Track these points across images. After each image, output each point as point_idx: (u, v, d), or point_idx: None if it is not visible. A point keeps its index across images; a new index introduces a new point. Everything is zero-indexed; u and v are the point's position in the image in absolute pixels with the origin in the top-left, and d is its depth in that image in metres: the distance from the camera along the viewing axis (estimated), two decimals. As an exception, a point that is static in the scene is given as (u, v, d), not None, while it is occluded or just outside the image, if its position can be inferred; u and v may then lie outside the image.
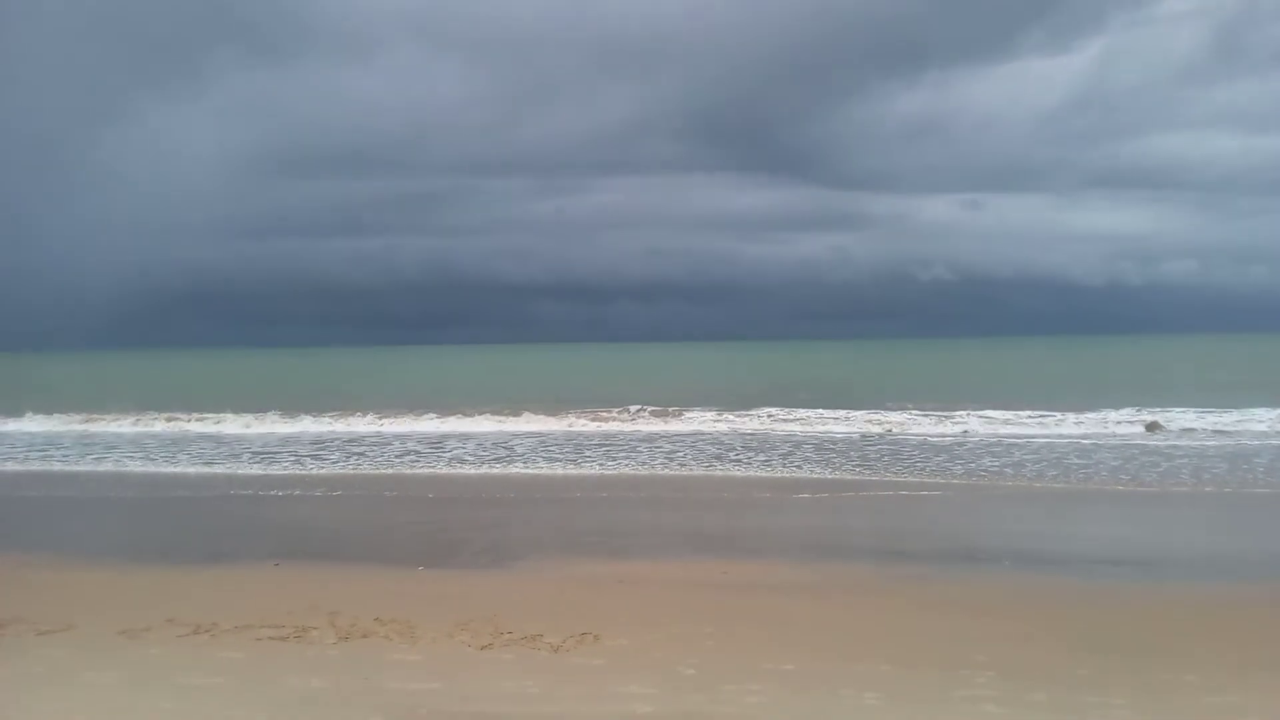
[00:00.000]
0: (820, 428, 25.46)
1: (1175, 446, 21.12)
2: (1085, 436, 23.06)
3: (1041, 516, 14.34)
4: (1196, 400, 28.18)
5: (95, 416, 29.94)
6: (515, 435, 25.21)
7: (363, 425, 27.60)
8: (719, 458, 20.69)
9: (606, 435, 24.94)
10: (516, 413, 28.89)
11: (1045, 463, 19.12)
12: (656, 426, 26.50)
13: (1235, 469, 18.00)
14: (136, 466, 20.85)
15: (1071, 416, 25.89)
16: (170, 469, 20.44)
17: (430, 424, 27.54)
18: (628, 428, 26.18)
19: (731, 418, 27.26)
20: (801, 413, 27.62)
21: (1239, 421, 24.28)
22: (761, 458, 20.56)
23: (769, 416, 27.22)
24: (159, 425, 28.29)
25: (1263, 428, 23.40)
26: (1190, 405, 26.97)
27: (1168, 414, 25.50)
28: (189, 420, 28.88)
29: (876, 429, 24.87)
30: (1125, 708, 6.47)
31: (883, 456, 20.47)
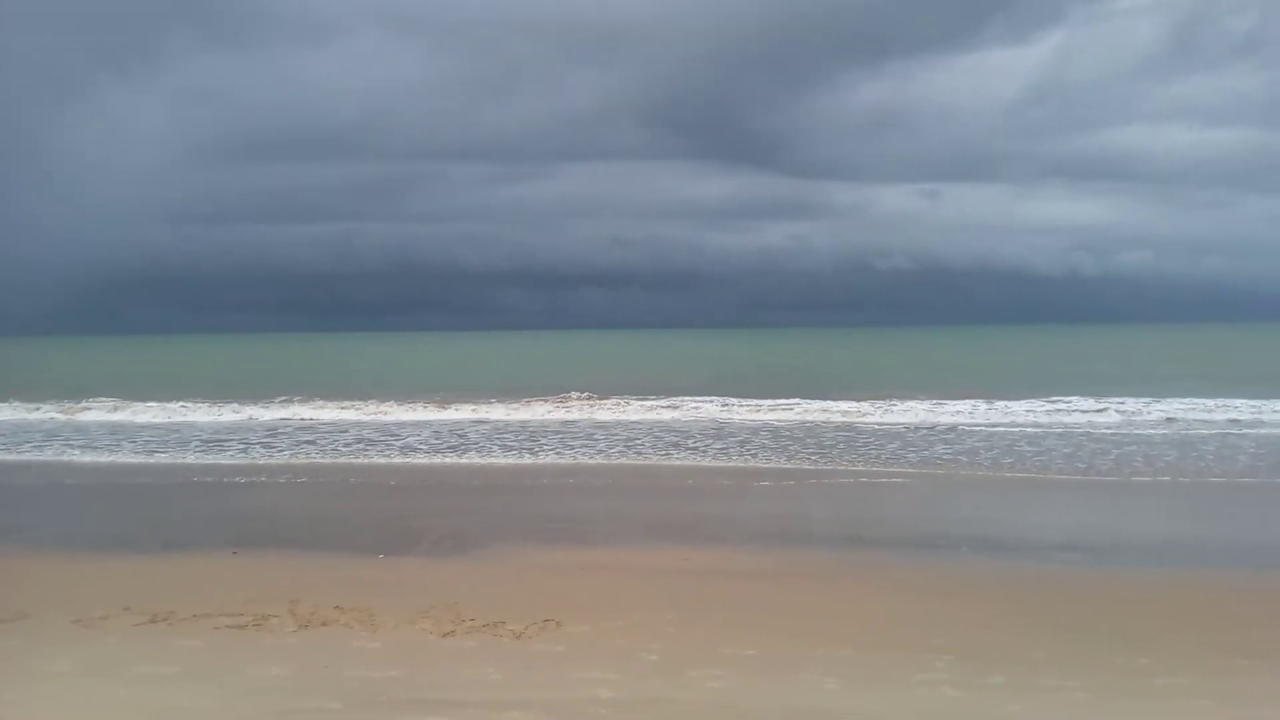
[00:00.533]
0: (773, 415, 25.55)
1: (1121, 435, 21.44)
2: (1035, 425, 23.35)
3: (997, 503, 14.53)
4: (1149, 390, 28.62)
5: (46, 403, 29.46)
6: (468, 423, 25.11)
7: (319, 412, 27.26)
8: (676, 445, 20.73)
9: (563, 423, 24.91)
10: (469, 399, 28.75)
11: (997, 450, 19.34)
12: (612, 415, 26.37)
13: (1184, 457, 18.31)
14: (88, 454, 20.53)
15: (1022, 404, 26.17)
16: (123, 456, 20.16)
17: (388, 411, 27.24)
18: (581, 415, 26.05)
19: (689, 404, 27.25)
20: (756, 401, 27.56)
21: (1187, 410, 24.66)
22: (718, 445, 20.63)
23: (723, 405, 27.15)
24: (108, 414, 27.83)
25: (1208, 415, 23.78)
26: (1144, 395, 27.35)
27: (1122, 403, 25.87)
28: (140, 407, 28.47)
29: (836, 418, 24.96)
30: (1081, 690, 6.57)
31: (836, 445, 20.60)
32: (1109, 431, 22.04)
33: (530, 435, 22.70)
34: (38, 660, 7.29)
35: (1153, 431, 21.90)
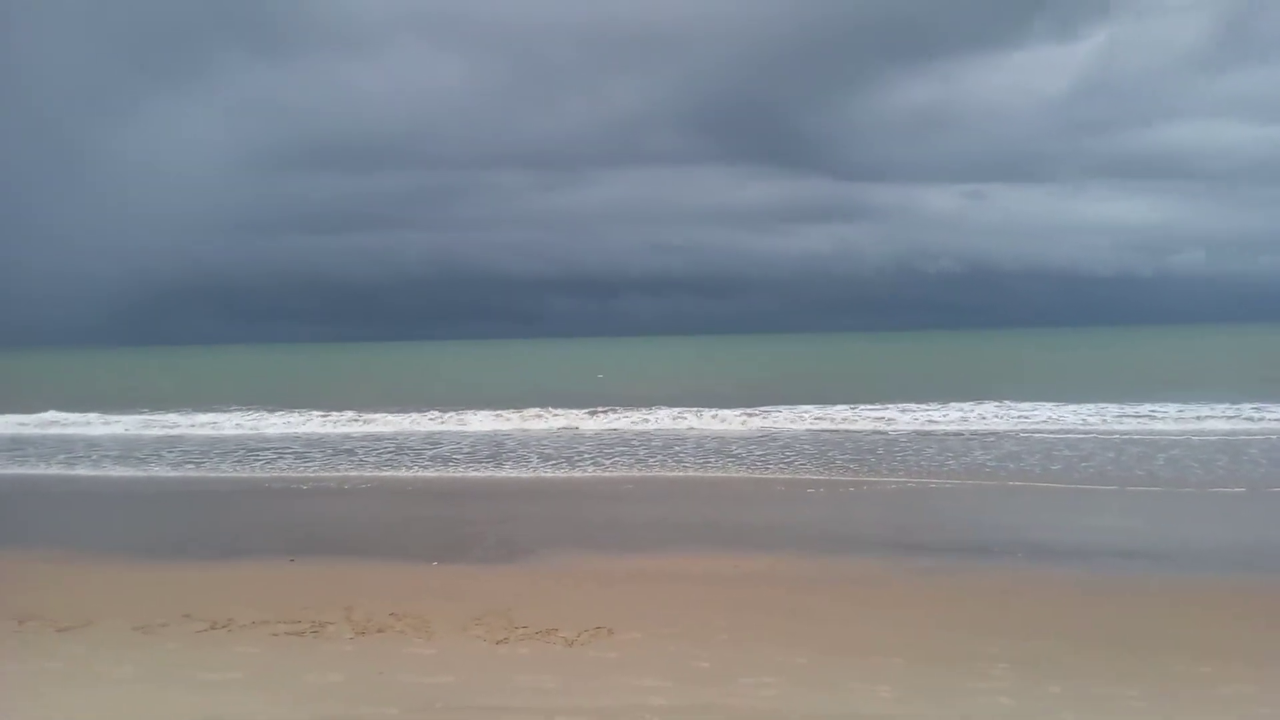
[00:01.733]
0: (811, 424, 25.38)
1: (1174, 439, 21.08)
2: (1067, 430, 23.06)
3: (1049, 510, 14.33)
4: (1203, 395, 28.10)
5: (107, 415, 30.08)
6: (516, 433, 25.27)
7: (368, 425, 27.53)
8: (718, 452, 20.70)
9: (616, 433, 24.97)
10: (518, 409, 28.77)
11: (1037, 455, 19.11)
12: (656, 424, 26.20)
13: (1237, 463, 17.96)
14: (147, 465, 20.91)
15: (1069, 408, 25.84)
16: (182, 466, 20.50)
17: (431, 422, 27.41)
18: (636, 427, 25.97)
19: (730, 415, 26.93)
20: (813, 409, 27.44)
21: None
22: (759, 452, 20.57)
23: (769, 415, 26.90)
24: (161, 427, 28.30)
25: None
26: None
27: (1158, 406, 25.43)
28: (189, 418, 28.99)
29: (870, 424, 24.75)
30: (1140, 699, 6.48)
31: (876, 450, 20.47)
32: (1162, 437, 21.66)
33: (567, 444, 22.77)
34: (101, 665, 7.45)
35: (1208, 437, 21.48)
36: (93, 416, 29.80)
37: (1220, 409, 24.82)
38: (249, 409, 30.53)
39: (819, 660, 7.34)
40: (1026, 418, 24.97)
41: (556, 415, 27.49)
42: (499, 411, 28.53)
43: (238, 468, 19.96)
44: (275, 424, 27.76)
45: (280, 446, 23.22)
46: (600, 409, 28.41)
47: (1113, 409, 25.72)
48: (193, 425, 27.96)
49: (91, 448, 23.74)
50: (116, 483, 18.57)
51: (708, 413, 27.20)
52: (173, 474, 19.44)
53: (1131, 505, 14.42)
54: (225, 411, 30.11)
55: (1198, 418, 23.82)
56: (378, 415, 28.69)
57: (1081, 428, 23.28)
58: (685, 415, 26.96)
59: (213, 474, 19.30)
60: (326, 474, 18.81)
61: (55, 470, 20.28)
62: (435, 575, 10.61)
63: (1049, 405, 26.50)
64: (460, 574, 10.65)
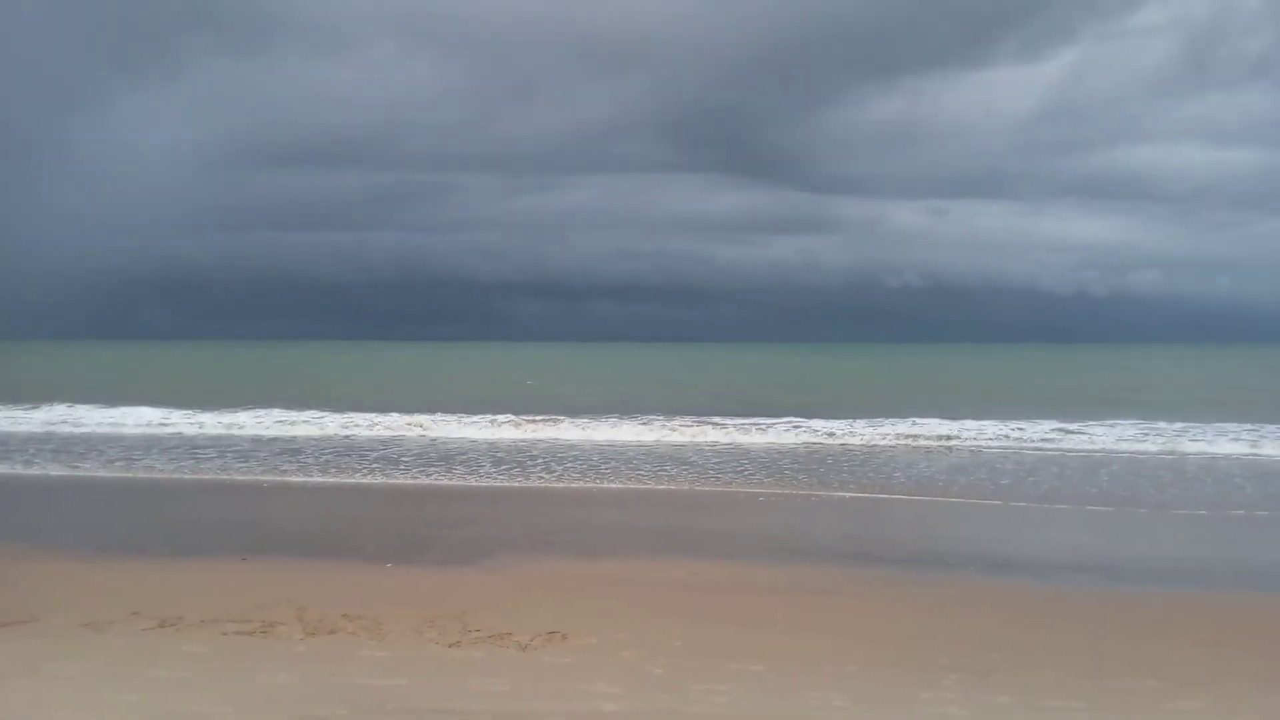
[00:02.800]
0: (770, 436, 25.10)
1: (1114, 456, 21.37)
2: (1031, 446, 23.26)
3: (1001, 524, 14.48)
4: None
5: (58, 408, 29.57)
6: (475, 440, 25.01)
7: (328, 425, 27.17)
8: (673, 460, 20.73)
9: (550, 442, 24.79)
10: (478, 414, 28.34)
11: (993, 471, 19.32)
12: (606, 435, 25.20)
13: (1182, 482, 18.24)
14: (98, 460, 20.61)
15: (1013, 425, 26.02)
16: (134, 462, 20.23)
17: (392, 425, 26.65)
18: (576, 436, 25.06)
19: (680, 423, 26.32)
20: (765, 420, 27.20)
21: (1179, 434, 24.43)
22: (715, 462, 20.63)
23: (712, 425, 26.13)
24: (116, 419, 27.83)
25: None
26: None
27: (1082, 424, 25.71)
28: (147, 414, 28.47)
29: (823, 439, 24.48)
30: (1087, 711, 6.56)
31: (829, 463, 20.60)
32: (1105, 454, 21.96)
33: (519, 451, 22.72)
34: (47, 663, 7.32)
35: (1148, 457, 21.81)
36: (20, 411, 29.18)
37: (1160, 427, 25.20)
38: (201, 407, 30.04)
39: (773, 668, 7.36)
40: (977, 432, 25.03)
41: (470, 422, 26.70)
42: (446, 415, 28.12)
43: (186, 464, 19.72)
44: (223, 421, 27.30)
45: (229, 445, 22.96)
46: (531, 419, 27.60)
47: (1050, 425, 25.94)
48: (127, 416, 27.61)
49: (29, 442, 23.35)
50: (66, 476, 18.27)
51: (630, 422, 26.60)
52: (122, 470, 19.16)
53: (1081, 522, 14.60)
54: (173, 408, 29.52)
55: (1139, 436, 24.14)
56: (335, 416, 28.29)
57: (1024, 444, 23.47)
58: (595, 424, 26.50)
59: (161, 469, 19.05)
60: (281, 473, 18.62)
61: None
62: (389, 577, 10.53)
63: (992, 423, 26.55)
64: (414, 576, 10.58)
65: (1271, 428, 24.47)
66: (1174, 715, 6.56)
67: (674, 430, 25.48)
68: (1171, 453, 21.85)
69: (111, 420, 27.68)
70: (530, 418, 27.38)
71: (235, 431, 25.72)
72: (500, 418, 27.32)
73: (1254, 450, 21.90)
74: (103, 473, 18.82)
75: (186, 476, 18.28)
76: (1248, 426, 25.02)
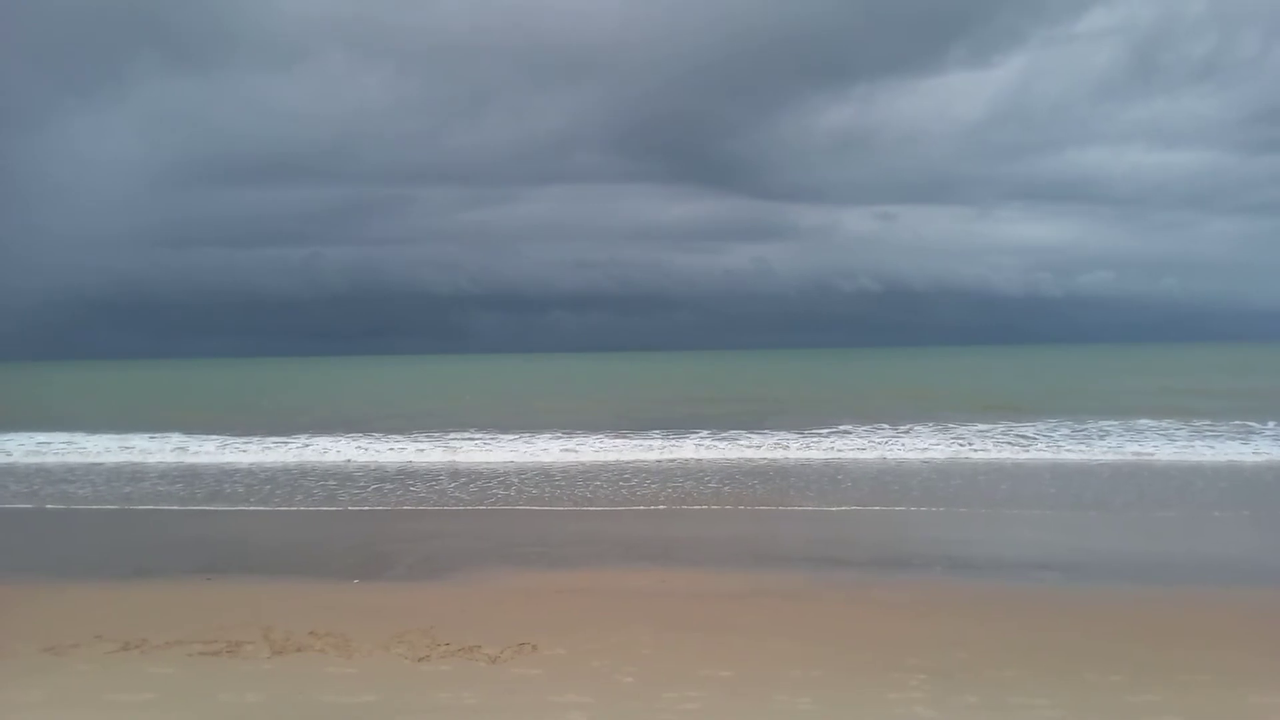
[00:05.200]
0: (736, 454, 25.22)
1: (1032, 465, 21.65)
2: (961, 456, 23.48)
3: (964, 527, 14.64)
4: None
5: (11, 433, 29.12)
6: (439, 451, 24.88)
7: (287, 447, 26.95)
8: (627, 477, 20.74)
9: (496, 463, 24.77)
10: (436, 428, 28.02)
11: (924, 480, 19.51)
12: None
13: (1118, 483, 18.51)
14: (57, 484, 20.33)
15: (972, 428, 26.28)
16: (86, 486, 19.97)
17: (339, 443, 25.81)
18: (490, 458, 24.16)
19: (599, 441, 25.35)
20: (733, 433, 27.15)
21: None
22: (681, 477, 20.67)
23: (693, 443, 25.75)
24: (67, 442, 27.39)
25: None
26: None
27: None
28: (93, 438, 27.94)
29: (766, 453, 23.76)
30: (1053, 707, 6.65)
31: (768, 472, 20.70)
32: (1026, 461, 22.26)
33: (474, 473, 22.67)
34: (9, 690, 7.22)
35: (1097, 460, 22.12)
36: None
37: (1108, 427, 25.64)
38: (157, 429, 29.68)
39: (742, 674, 7.40)
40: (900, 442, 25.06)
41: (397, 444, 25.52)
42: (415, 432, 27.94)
43: (150, 485, 19.49)
44: (188, 444, 27.00)
45: (199, 466, 22.73)
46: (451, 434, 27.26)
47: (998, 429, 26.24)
48: (77, 440, 27.20)
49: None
50: (25, 499, 17.98)
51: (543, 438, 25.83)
52: (81, 490, 18.90)
53: (1040, 524, 14.80)
54: (123, 432, 29.18)
55: (1091, 437, 24.51)
56: (294, 437, 28.06)
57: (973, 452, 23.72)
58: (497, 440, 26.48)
59: (123, 491, 18.81)
60: (244, 491, 18.46)
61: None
62: (356, 593, 10.47)
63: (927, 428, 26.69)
64: (382, 591, 10.53)
65: (1226, 426, 24.95)
66: (1136, 709, 6.66)
67: (601, 449, 24.21)
68: (1124, 454, 22.10)
69: (70, 447, 27.23)
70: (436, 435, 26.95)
71: (187, 459, 25.40)
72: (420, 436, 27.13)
73: (1209, 451, 22.17)
74: (61, 501, 18.54)
75: (144, 495, 18.07)
76: (1205, 423, 25.51)
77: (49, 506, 17.32)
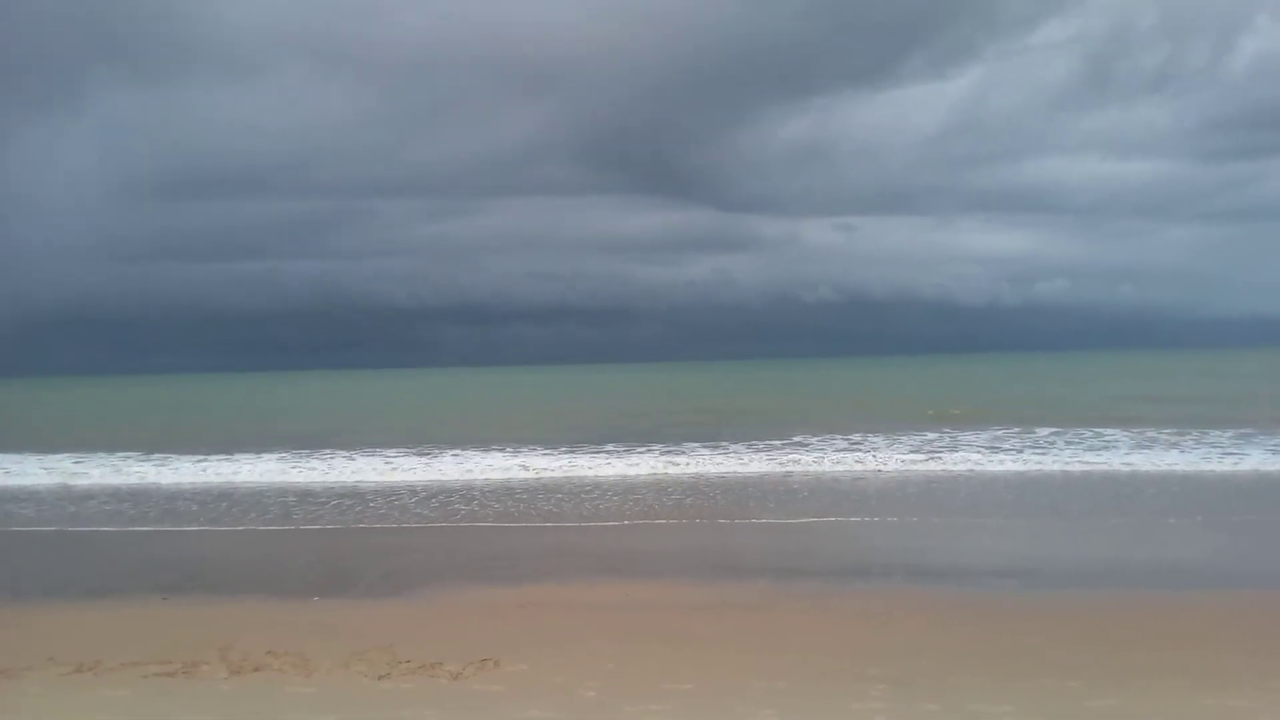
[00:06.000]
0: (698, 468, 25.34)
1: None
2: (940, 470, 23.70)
3: (923, 537, 14.76)
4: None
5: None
6: (402, 468, 24.72)
7: (239, 461, 26.63)
8: (589, 492, 20.72)
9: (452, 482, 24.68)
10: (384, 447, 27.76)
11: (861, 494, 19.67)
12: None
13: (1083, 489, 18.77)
14: (10, 500, 19.97)
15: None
16: (38, 505, 19.64)
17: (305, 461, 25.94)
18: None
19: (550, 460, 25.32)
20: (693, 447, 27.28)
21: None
22: (642, 492, 20.67)
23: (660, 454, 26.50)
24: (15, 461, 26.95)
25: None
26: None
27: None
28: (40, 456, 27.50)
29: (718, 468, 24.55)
30: (1014, 714, 6.71)
31: (725, 486, 20.77)
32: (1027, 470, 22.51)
33: (442, 491, 22.56)
34: (-43, 715, 7.08)
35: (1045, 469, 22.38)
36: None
37: (1067, 435, 25.92)
38: (116, 448, 29.24)
39: (704, 686, 7.40)
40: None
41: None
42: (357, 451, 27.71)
43: (103, 505, 19.21)
44: (144, 463, 26.63)
45: (149, 485, 22.43)
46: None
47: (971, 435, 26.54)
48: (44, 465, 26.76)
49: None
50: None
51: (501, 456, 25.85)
52: (33, 510, 18.59)
53: (998, 532, 14.96)
54: (78, 451, 28.74)
55: (1044, 446, 24.82)
56: (242, 456, 27.60)
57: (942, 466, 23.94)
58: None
59: (76, 512, 18.52)
60: (201, 509, 18.24)
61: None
62: (315, 611, 10.36)
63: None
64: (341, 609, 10.43)
65: (1205, 434, 25.28)
66: (1096, 713, 6.74)
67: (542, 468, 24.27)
68: (1079, 461, 22.36)
69: (19, 466, 26.76)
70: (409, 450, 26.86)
71: (146, 477, 25.04)
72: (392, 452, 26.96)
73: (1163, 457, 22.48)
74: (8, 522, 18.22)
75: (99, 515, 17.80)
76: (1168, 431, 25.94)
77: (4, 528, 17.00)
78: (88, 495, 20.58)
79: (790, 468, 22.47)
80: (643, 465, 23.21)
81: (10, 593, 11.62)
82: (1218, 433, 25.53)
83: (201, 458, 26.04)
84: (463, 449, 26.79)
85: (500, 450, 26.23)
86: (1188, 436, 25.09)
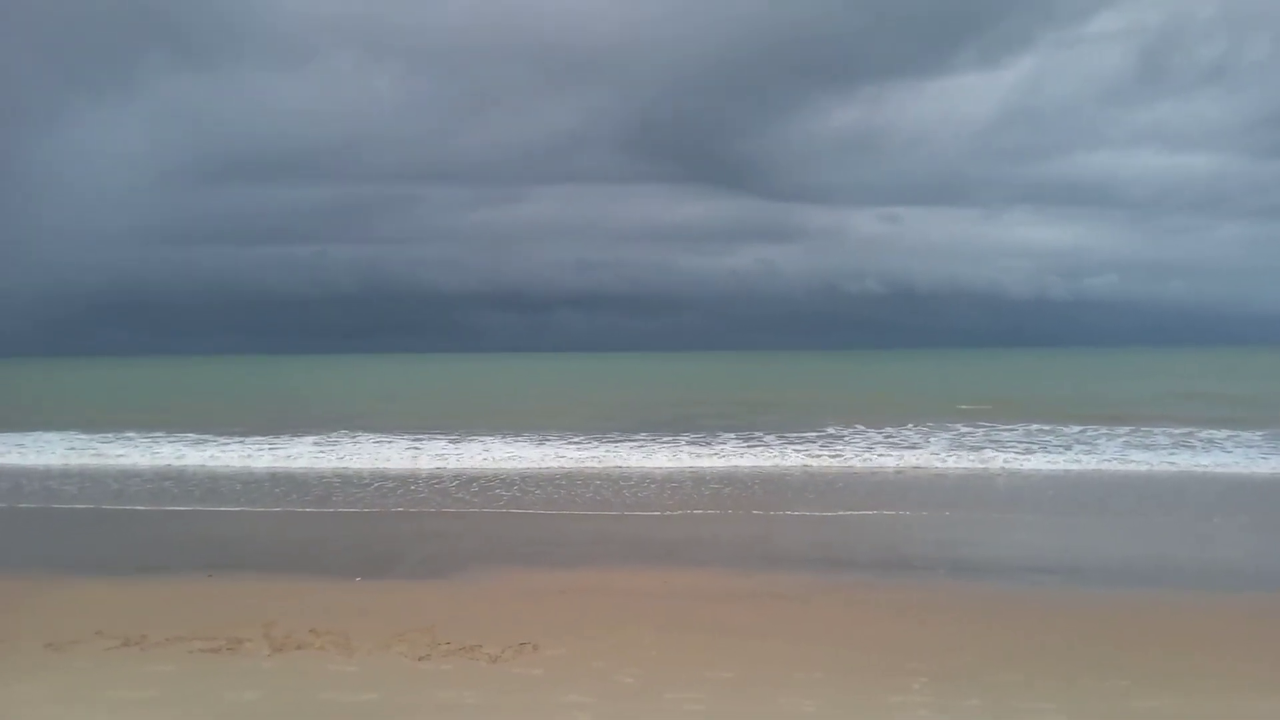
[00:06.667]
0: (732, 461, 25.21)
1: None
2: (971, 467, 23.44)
3: (968, 530, 14.61)
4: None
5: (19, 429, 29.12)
6: (449, 454, 24.86)
7: (284, 442, 26.94)
8: (630, 484, 20.71)
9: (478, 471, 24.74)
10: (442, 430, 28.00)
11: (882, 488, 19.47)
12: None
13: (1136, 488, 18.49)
14: (60, 480, 20.34)
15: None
16: (90, 483, 19.97)
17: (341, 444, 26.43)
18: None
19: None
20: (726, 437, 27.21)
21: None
22: (671, 485, 20.62)
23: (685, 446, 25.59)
24: (69, 440, 27.41)
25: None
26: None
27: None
28: (96, 436, 28.00)
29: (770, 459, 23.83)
30: (1057, 712, 6.62)
31: (759, 479, 20.67)
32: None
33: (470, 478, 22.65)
34: (9, 685, 7.20)
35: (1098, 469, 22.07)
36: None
37: (1115, 432, 25.50)
38: (165, 427, 29.68)
39: (744, 675, 7.38)
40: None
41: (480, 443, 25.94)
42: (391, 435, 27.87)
43: (151, 483, 19.50)
44: (185, 443, 27.02)
45: (191, 465, 22.74)
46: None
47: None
48: (80, 437, 27.21)
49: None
50: (26, 494, 17.99)
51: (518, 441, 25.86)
52: (81, 487, 18.91)
53: (1042, 529, 14.77)
54: (133, 430, 29.20)
55: (1093, 444, 24.46)
56: (293, 439, 28.07)
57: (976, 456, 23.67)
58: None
59: (125, 489, 18.81)
60: (247, 488, 18.46)
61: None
62: (357, 591, 10.45)
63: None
64: (383, 590, 10.51)
65: (1247, 435, 24.84)
66: (1140, 714, 6.63)
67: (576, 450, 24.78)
68: (1125, 460, 22.01)
69: (69, 445, 27.25)
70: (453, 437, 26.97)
71: (190, 459, 25.42)
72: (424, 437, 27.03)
73: (1207, 456, 22.09)
74: (62, 499, 18.55)
75: (145, 493, 18.08)
76: (1208, 433, 25.45)
77: (54, 506, 17.32)
78: (134, 473, 20.92)
79: (839, 459, 22.30)
80: (682, 455, 23.18)
81: (58, 568, 11.82)
82: (1265, 432, 25.07)
83: (245, 439, 26.40)
84: (503, 435, 26.95)
85: (541, 438, 26.33)
86: (1235, 436, 24.64)
